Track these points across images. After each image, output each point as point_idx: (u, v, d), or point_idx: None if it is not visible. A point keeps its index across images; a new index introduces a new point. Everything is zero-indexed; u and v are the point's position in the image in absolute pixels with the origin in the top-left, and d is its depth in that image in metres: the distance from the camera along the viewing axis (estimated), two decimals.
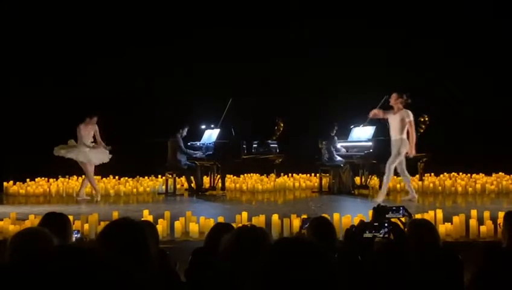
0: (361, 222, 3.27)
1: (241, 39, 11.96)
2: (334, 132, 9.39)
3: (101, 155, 8.60)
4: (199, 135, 10.18)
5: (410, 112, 7.77)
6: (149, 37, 12.06)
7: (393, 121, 7.86)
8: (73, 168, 11.02)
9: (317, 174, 9.95)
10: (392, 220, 3.51)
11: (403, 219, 3.83)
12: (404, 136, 7.76)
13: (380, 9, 11.87)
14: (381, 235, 3.07)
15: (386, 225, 3.15)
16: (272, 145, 9.76)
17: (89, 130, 8.53)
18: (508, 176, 10.42)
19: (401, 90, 7.98)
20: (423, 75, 11.43)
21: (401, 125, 7.75)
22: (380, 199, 7.72)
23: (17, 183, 10.04)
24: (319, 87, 11.86)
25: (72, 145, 8.48)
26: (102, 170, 11.02)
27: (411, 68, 11.41)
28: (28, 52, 11.78)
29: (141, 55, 11.90)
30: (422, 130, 9.12)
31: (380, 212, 3.46)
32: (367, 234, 3.06)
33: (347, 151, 9.42)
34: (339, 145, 9.44)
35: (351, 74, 11.47)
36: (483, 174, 10.57)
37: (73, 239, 3.26)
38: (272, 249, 1.35)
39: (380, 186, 8.31)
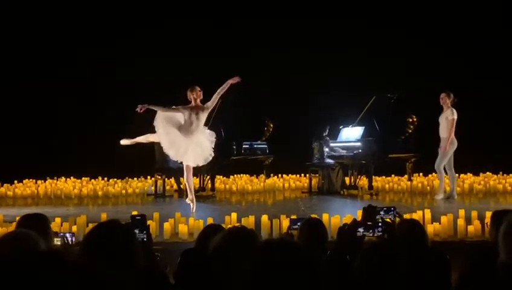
0: (354, 221, 3.28)
1: (237, 37, 11.95)
2: (327, 132, 9.41)
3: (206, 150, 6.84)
4: None
5: (454, 110, 8.03)
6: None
7: (442, 120, 8.10)
8: (61, 170, 10.98)
9: (307, 175, 9.96)
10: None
11: (392, 219, 3.85)
12: (453, 134, 7.99)
13: (377, 10, 11.90)
14: (371, 235, 3.09)
15: (380, 224, 3.17)
16: (260, 146, 9.75)
17: (198, 118, 6.59)
18: (495, 176, 10.52)
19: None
20: (410, 77, 11.47)
21: (447, 123, 8.00)
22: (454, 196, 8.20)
23: (5, 185, 9.94)
24: (308, 88, 11.88)
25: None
26: (92, 171, 10.97)
27: (396, 69, 11.43)
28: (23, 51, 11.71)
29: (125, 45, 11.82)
30: (410, 131, 9.18)
31: (370, 212, 3.48)
32: (359, 233, 3.08)
33: (337, 152, 9.41)
34: (332, 144, 9.44)
35: (341, 74, 11.49)
36: (471, 174, 10.65)
37: (64, 241, 3.23)
38: (257, 252, 1.36)
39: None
